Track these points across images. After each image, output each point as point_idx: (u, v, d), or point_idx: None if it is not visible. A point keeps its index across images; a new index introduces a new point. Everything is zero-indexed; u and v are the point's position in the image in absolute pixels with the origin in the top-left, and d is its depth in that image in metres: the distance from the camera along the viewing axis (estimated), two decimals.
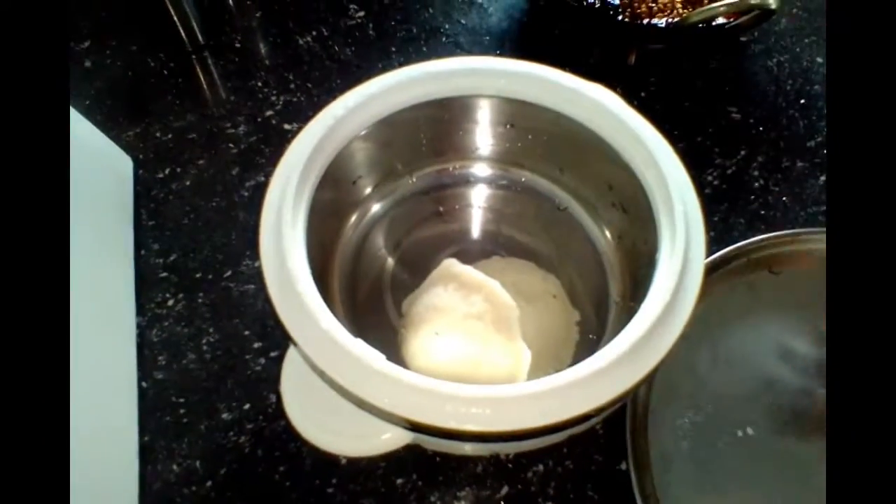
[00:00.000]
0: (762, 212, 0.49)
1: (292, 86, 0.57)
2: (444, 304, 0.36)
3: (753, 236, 0.45)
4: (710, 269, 0.43)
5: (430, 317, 0.36)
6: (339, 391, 0.30)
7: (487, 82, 0.39)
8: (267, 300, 0.31)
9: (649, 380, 0.38)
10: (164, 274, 0.47)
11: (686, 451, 0.39)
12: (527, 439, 0.30)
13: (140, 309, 0.45)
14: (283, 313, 0.31)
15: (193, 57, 0.58)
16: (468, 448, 0.37)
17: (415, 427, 0.30)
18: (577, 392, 0.29)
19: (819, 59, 0.58)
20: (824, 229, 0.45)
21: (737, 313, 0.43)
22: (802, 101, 0.55)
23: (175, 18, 0.56)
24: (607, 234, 0.42)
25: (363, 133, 0.38)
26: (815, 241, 0.45)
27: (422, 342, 0.35)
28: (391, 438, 0.32)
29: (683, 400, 0.41)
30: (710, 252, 0.44)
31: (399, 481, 0.39)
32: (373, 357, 0.29)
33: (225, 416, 0.41)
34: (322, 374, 0.30)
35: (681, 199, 0.33)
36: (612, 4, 0.54)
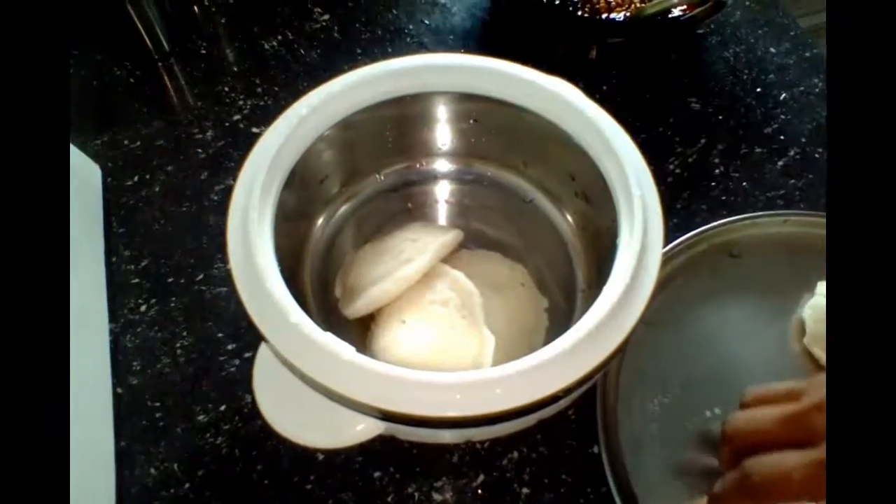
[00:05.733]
0: (723, 197, 0.50)
1: (259, 90, 0.57)
2: (409, 294, 0.36)
3: (715, 221, 0.46)
4: (674, 255, 0.44)
5: (397, 306, 0.36)
6: (310, 384, 0.31)
7: (448, 78, 0.40)
8: (237, 299, 0.31)
9: (614, 361, 0.39)
10: (136, 280, 0.47)
11: (656, 434, 0.40)
12: (498, 423, 0.31)
13: (113, 315, 0.45)
14: (252, 310, 0.31)
15: (159, 64, 0.59)
16: (442, 435, 0.38)
17: (386, 416, 0.30)
18: (543, 374, 0.30)
19: (772, 49, 0.59)
20: (782, 212, 0.47)
21: (701, 297, 0.45)
22: (758, 89, 0.57)
23: (140, 26, 0.56)
24: (572, 223, 0.42)
25: (328, 132, 0.38)
26: (773, 223, 0.46)
27: (389, 332, 0.36)
28: (364, 429, 0.32)
29: (652, 384, 0.42)
30: (673, 238, 0.45)
31: (376, 474, 0.40)
32: (342, 349, 0.30)
33: (201, 418, 0.42)
34: (292, 368, 0.30)
35: (637, 183, 0.34)
36: (572, 1, 0.55)
